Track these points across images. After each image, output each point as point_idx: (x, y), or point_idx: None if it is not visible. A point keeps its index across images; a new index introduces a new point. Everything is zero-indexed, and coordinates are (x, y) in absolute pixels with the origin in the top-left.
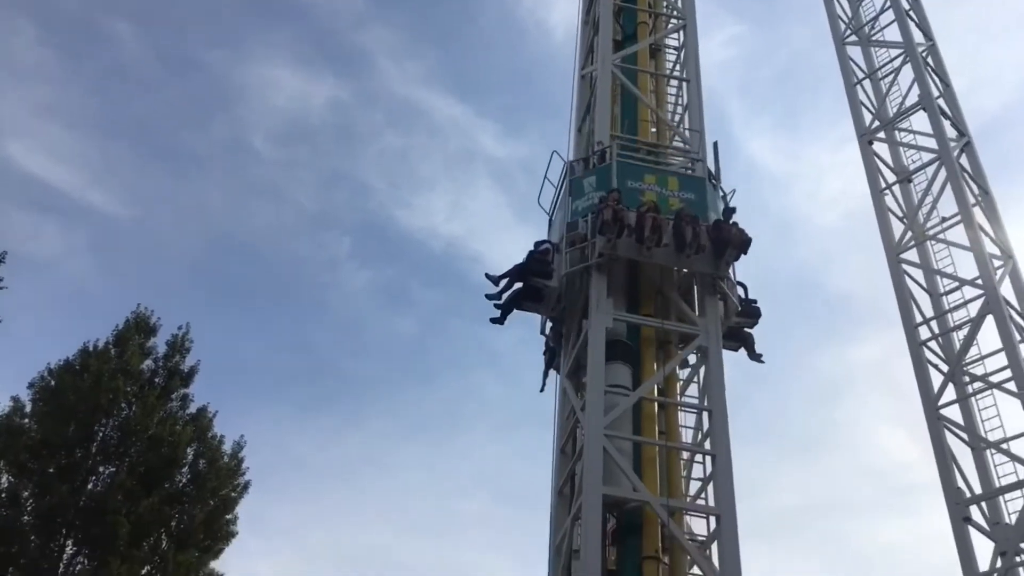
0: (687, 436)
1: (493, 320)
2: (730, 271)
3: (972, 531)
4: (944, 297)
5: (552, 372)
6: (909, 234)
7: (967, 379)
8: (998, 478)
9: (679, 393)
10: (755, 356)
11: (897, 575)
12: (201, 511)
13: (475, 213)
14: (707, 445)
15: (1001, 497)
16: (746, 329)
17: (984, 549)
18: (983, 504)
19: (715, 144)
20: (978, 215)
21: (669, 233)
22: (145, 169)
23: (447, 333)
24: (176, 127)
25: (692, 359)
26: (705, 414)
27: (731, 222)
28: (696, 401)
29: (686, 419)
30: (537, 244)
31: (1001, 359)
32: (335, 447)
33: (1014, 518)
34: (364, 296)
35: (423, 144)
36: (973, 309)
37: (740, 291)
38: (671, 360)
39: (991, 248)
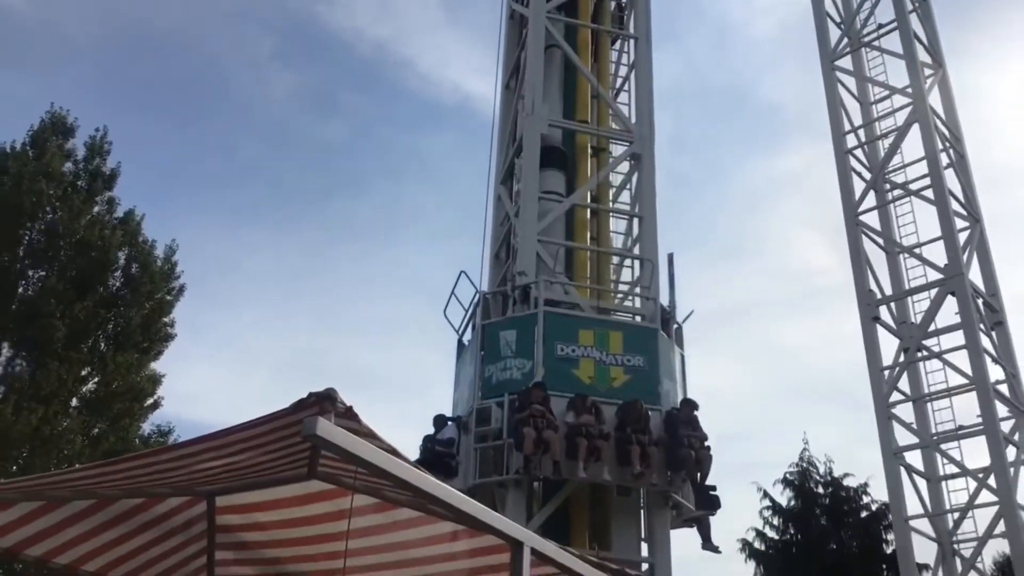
0: (618, 242)
1: None
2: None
3: (880, 330)
4: (874, 106)
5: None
6: (845, 40)
7: (888, 187)
8: (908, 281)
9: (611, 200)
10: (710, 547)
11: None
12: (137, 314)
13: (404, 12)
14: (637, 250)
15: (910, 298)
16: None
17: (889, 346)
18: (892, 305)
19: (670, 257)
20: (914, 23)
21: (610, 453)
22: None
23: (377, 140)
24: None
25: (625, 166)
26: (636, 220)
27: (691, 418)
28: (627, 208)
29: (617, 225)
30: (438, 423)
31: (922, 167)
32: (268, 254)
33: (919, 318)
34: (289, 100)
35: None
36: (900, 118)
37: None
38: (604, 167)
39: (923, 57)
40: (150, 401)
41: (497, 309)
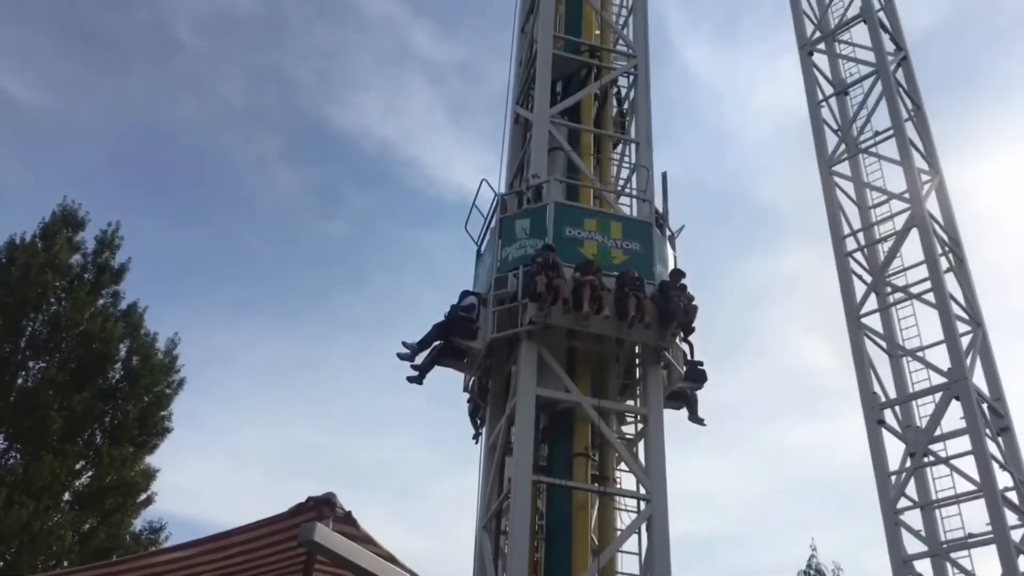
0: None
1: (410, 379)
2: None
3: (885, 433)
4: (872, 210)
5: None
6: (843, 147)
7: (889, 290)
8: (912, 384)
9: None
10: (696, 419)
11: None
12: (135, 407)
13: (410, 115)
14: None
15: (914, 402)
16: (691, 392)
17: (894, 451)
18: (896, 408)
19: (664, 176)
20: (910, 130)
21: (610, 302)
22: (62, 57)
23: (380, 237)
24: (95, 12)
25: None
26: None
27: (679, 285)
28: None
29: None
30: (462, 296)
31: (922, 271)
32: (267, 347)
33: (924, 422)
34: (295, 197)
35: (355, 41)
36: (899, 222)
37: (687, 349)
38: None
39: (920, 163)
40: (143, 496)
41: (513, 208)
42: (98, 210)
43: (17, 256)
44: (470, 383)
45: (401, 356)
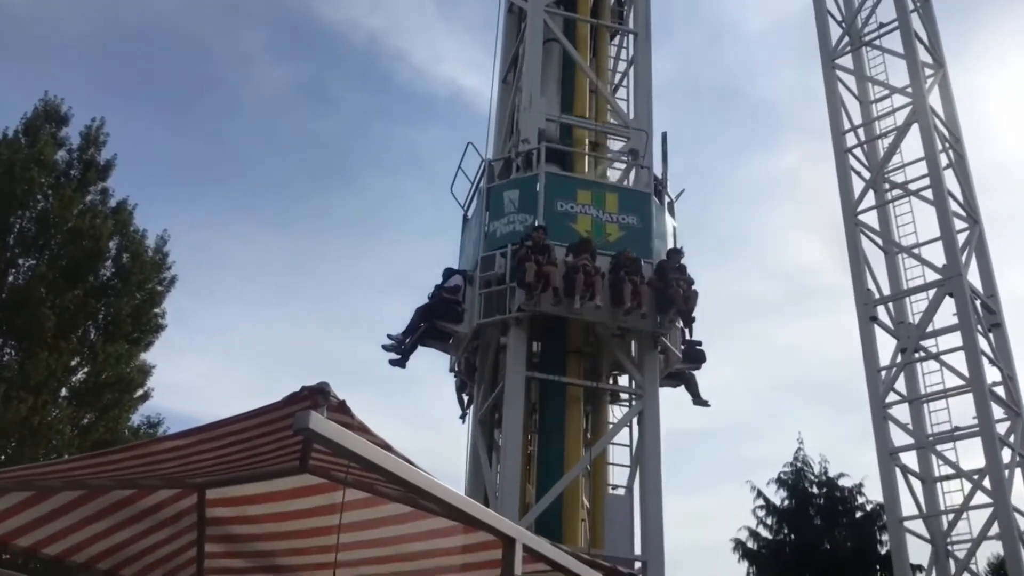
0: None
1: (392, 363)
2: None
3: (877, 330)
4: (873, 105)
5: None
6: (846, 39)
7: (887, 186)
8: (906, 281)
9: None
10: (699, 400)
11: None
12: (128, 304)
13: (398, 5)
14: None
15: (908, 299)
16: (689, 372)
17: (886, 348)
18: (890, 305)
19: (664, 136)
20: (915, 23)
21: (604, 289)
22: None
23: (369, 134)
24: None
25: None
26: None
27: (678, 266)
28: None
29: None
30: (446, 274)
31: (921, 167)
32: (258, 247)
33: (917, 318)
34: (282, 95)
35: None
36: (900, 117)
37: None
38: (602, 163)
39: (924, 57)
40: (140, 392)
41: (502, 177)
42: (79, 108)
43: (1, 152)
44: (456, 363)
45: (386, 348)
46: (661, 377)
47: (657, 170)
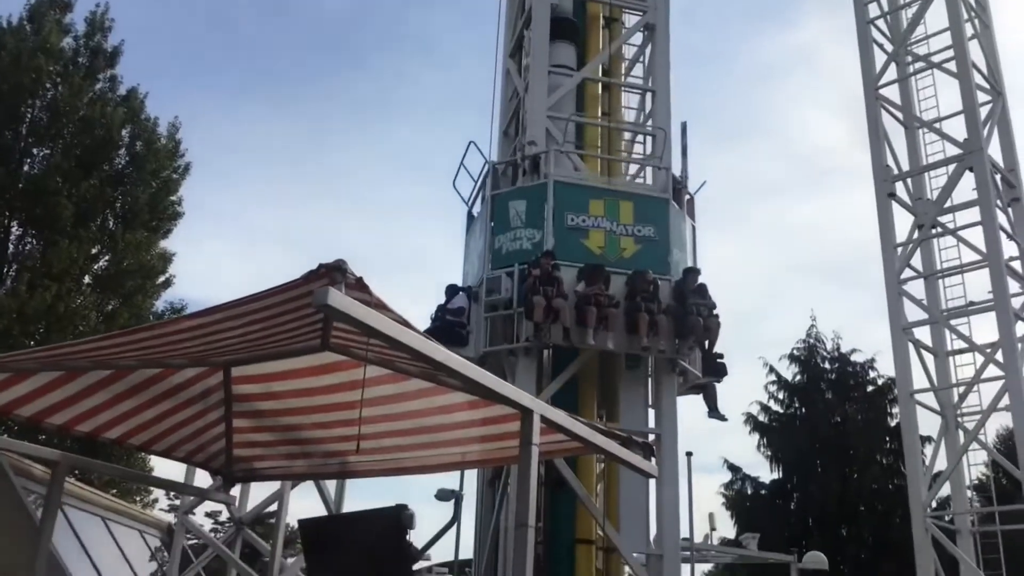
0: (630, 117)
1: None
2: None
3: (894, 207)
4: None
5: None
6: None
7: (909, 59)
8: (926, 157)
9: (623, 73)
10: (715, 414)
11: (813, 250)
12: (144, 192)
13: None
14: (649, 125)
15: (926, 174)
16: (710, 384)
17: (902, 225)
18: (908, 181)
19: (683, 126)
20: None
21: (619, 320)
22: None
23: (377, 13)
24: None
25: (639, 38)
26: (648, 95)
27: (697, 286)
28: (640, 82)
29: (629, 100)
30: (449, 292)
31: (945, 39)
32: (270, 131)
33: (935, 194)
34: None
35: None
36: None
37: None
38: (617, 39)
39: None
40: (162, 279)
41: (507, 180)
42: None
43: (6, 41)
44: None
45: None
46: (680, 391)
47: (676, 164)
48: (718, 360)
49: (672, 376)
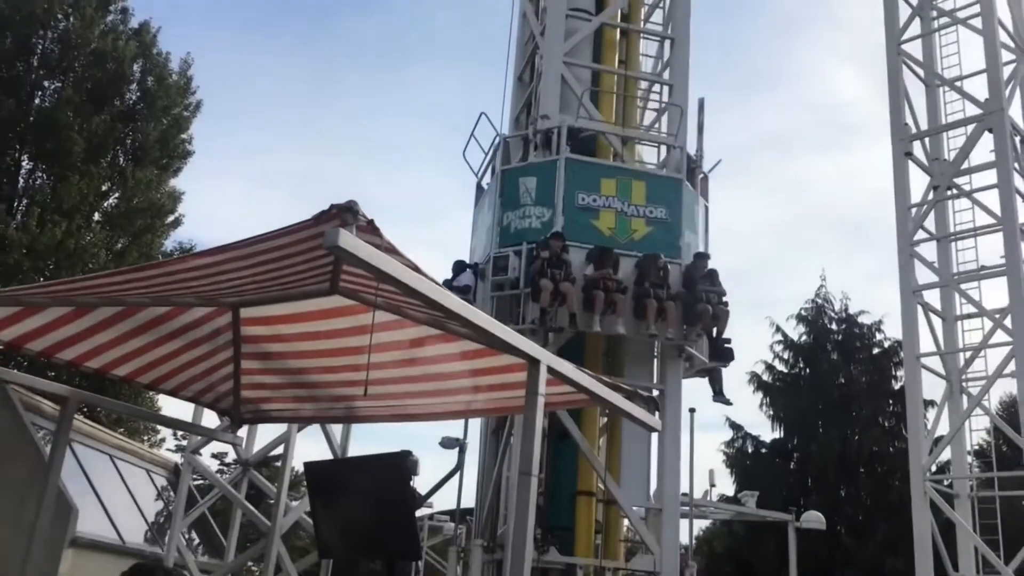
0: (647, 66)
1: None
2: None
3: (910, 166)
4: None
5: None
6: None
7: (934, 14)
8: (946, 116)
9: (643, 19)
10: (720, 398)
11: (826, 206)
12: (155, 129)
13: None
14: (667, 75)
15: (945, 134)
16: (715, 369)
17: (917, 185)
18: (926, 141)
19: (700, 102)
20: None
21: (627, 305)
22: None
23: None
24: None
25: None
26: (667, 43)
27: (708, 272)
28: (659, 28)
29: (647, 48)
30: (455, 268)
31: None
32: (281, 71)
33: (953, 155)
34: None
35: None
36: None
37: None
38: None
39: None
40: (171, 218)
41: (518, 153)
42: None
43: None
44: None
45: None
46: (686, 374)
47: (692, 141)
48: (725, 345)
49: (678, 360)
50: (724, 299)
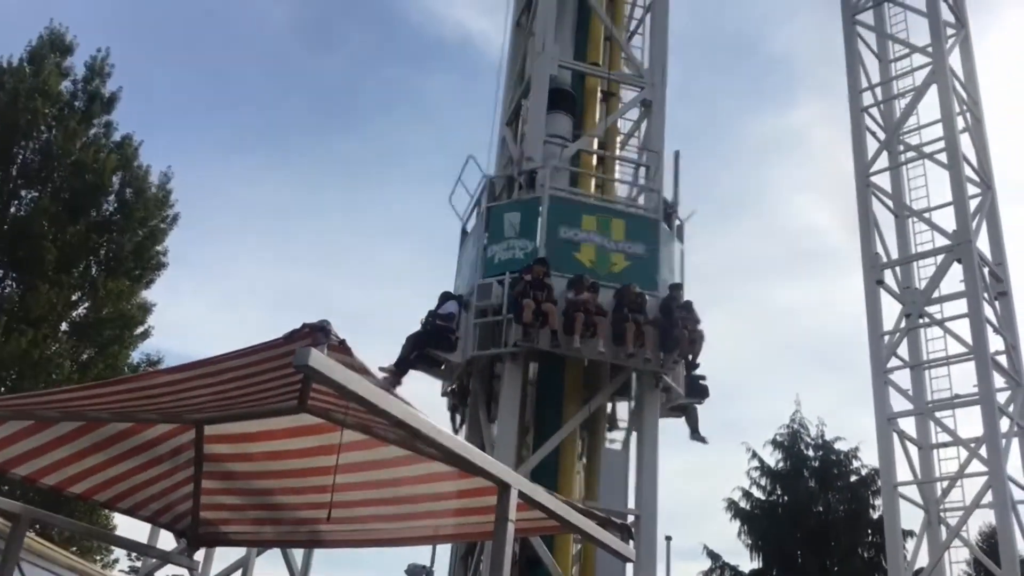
0: (623, 191)
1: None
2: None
3: (882, 295)
4: (892, 64)
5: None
6: None
7: (901, 148)
8: (915, 246)
9: (618, 147)
10: (697, 436)
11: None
12: (130, 240)
13: None
14: (641, 201)
15: (915, 263)
16: (691, 406)
17: (890, 312)
18: (896, 270)
19: (676, 155)
20: None
21: (606, 328)
22: None
23: (374, 76)
24: None
25: (634, 113)
26: (642, 169)
27: (684, 303)
28: (634, 156)
29: (623, 175)
30: (441, 299)
31: (937, 130)
32: (259, 187)
33: (923, 284)
34: (284, 31)
35: None
36: (919, 77)
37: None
38: (614, 112)
39: (947, 15)
40: (140, 330)
41: (503, 192)
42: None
43: (4, 80)
44: (448, 388)
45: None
46: (663, 411)
47: (668, 191)
48: (700, 381)
49: (655, 392)
50: (699, 326)
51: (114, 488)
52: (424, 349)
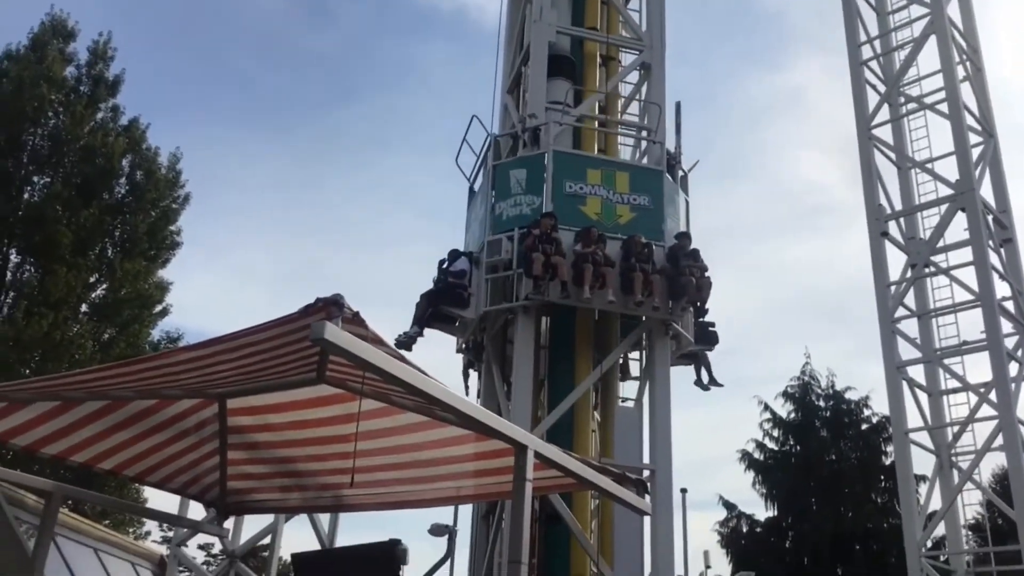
0: (626, 153)
1: (398, 344)
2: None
3: (887, 246)
4: (890, 16)
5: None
6: None
7: (902, 100)
8: (919, 196)
9: (620, 112)
10: (713, 381)
11: (805, 288)
12: (143, 221)
13: None
14: (644, 161)
15: (919, 214)
16: (701, 353)
17: (895, 264)
18: (901, 221)
19: (677, 106)
20: None
21: (615, 278)
22: None
23: (370, 49)
24: None
25: (634, 76)
26: (644, 131)
27: (690, 251)
28: (635, 120)
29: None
30: (451, 256)
31: (937, 80)
32: (263, 164)
33: (928, 234)
34: (281, 7)
35: None
36: (917, 28)
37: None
38: (613, 77)
39: None
40: (159, 308)
41: (508, 152)
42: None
43: (8, 68)
44: (463, 344)
45: (400, 344)
46: (673, 359)
47: (671, 141)
48: (709, 328)
49: (665, 340)
50: (707, 273)
51: (143, 463)
52: (438, 306)
